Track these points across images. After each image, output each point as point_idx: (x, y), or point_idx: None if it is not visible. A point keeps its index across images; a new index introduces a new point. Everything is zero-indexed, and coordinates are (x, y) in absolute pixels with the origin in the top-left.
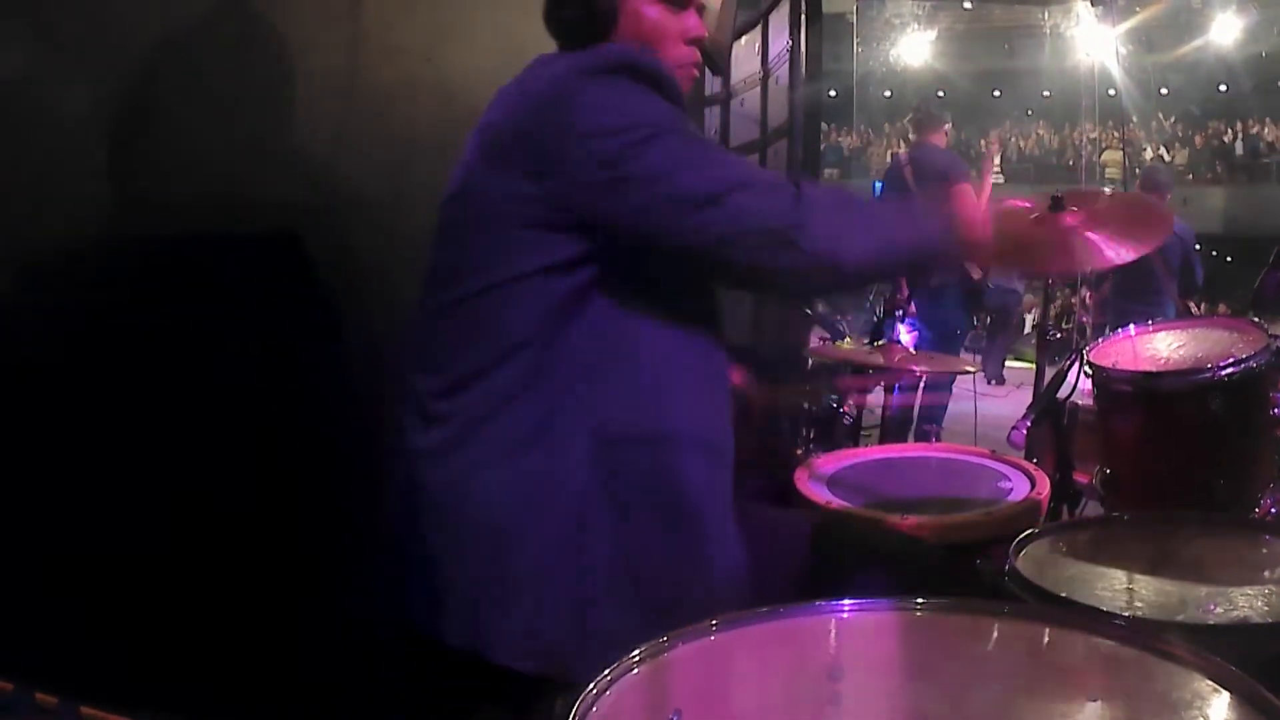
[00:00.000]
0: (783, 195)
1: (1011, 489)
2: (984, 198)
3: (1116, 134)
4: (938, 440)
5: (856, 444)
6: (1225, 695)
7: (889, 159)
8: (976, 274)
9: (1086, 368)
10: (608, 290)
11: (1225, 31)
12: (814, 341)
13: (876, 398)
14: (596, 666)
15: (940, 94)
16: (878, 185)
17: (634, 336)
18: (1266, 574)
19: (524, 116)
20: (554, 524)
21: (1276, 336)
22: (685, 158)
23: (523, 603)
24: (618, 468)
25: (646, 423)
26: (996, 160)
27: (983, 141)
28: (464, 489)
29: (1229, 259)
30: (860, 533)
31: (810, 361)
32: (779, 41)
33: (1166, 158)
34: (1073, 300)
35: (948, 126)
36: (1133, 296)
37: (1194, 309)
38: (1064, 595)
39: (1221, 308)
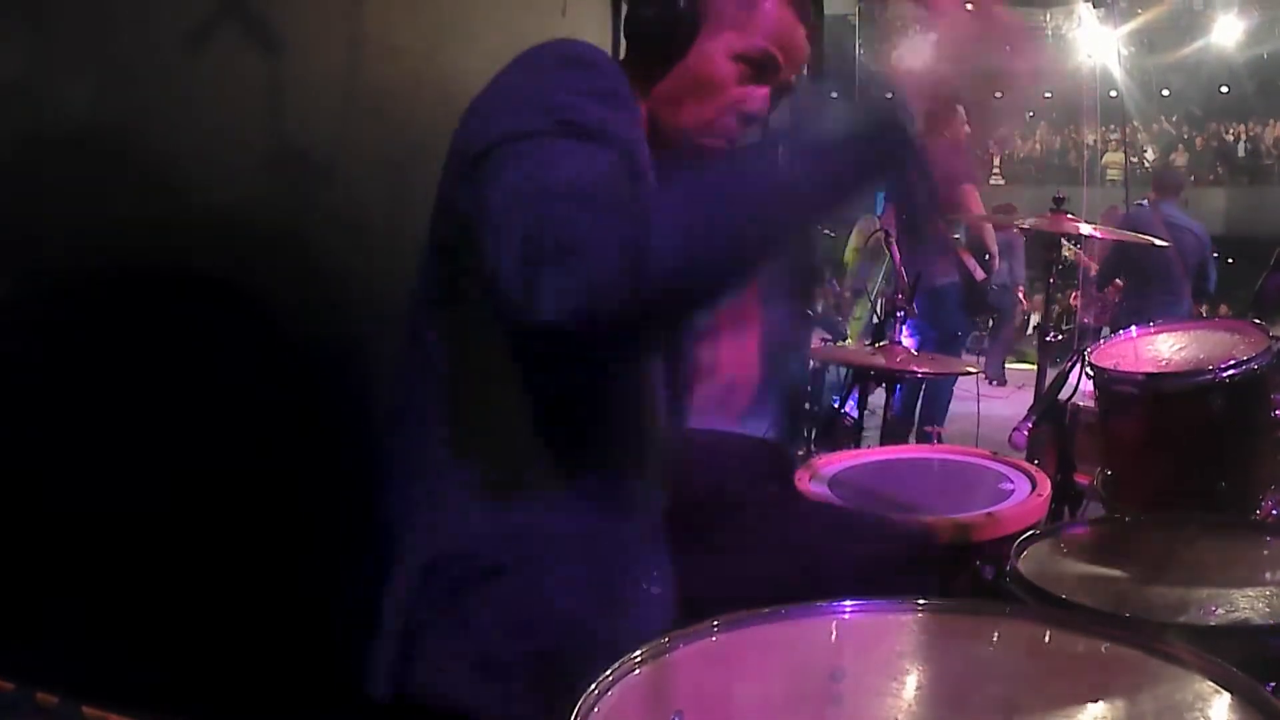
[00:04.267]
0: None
1: (1013, 490)
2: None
3: (1117, 136)
4: (939, 441)
5: (858, 445)
6: (1226, 696)
7: None
8: (980, 274)
9: (1088, 369)
10: (464, 375)
11: (1227, 33)
12: (815, 342)
13: (877, 398)
14: None
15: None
16: (879, 195)
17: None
18: (1268, 575)
19: None
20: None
21: (1278, 338)
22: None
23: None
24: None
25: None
26: (996, 161)
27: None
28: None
29: (1230, 260)
30: (862, 531)
31: (812, 363)
32: None
33: (1175, 160)
34: (1073, 302)
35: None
36: (1150, 293)
37: (1204, 312)
38: (1065, 596)
39: (1223, 309)
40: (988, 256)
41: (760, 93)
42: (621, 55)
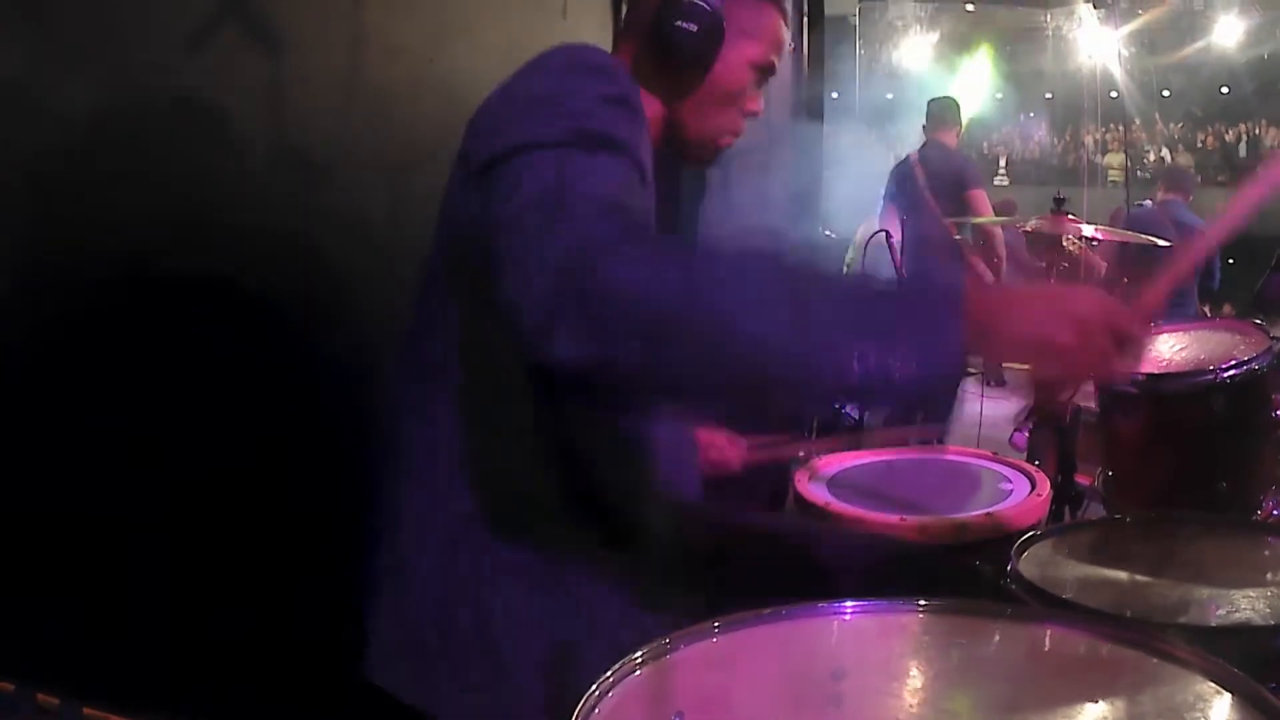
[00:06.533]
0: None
1: (1013, 491)
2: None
3: (1118, 136)
4: (940, 442)
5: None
6: (1227, 697)
7: (891, 159)
8: (989, 277)
9: None
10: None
11: (1228, 34)
12: None
13: None
14: None
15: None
16: (880, 195)
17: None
18: (1269, 576)
19: None
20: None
21: (1279, 338)
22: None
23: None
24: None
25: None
26: (1002, 163)
27: (985, 144)
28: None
29: (1231, 260)
30: (861, 535)
31: None
32: None
33: (1168, 160)
34: None
35: (959, 129)
36: None
37: (1207, 312)
38: (1066, 597)
39: (1226, 308)
40: (996, 260)
41: (758, 94)
42: (635, 64)
